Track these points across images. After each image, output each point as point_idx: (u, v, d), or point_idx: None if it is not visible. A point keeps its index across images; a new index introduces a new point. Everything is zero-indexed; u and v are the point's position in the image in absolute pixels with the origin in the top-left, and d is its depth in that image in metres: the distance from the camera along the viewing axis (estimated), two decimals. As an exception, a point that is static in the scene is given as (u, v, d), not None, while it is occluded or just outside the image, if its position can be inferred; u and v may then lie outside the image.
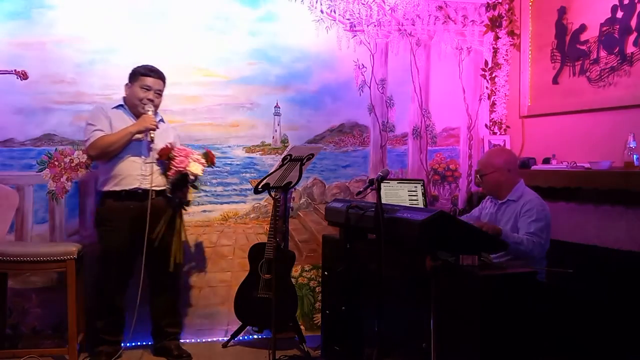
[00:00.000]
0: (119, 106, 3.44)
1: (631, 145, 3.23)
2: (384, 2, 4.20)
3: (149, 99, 3.37)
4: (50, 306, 3.63)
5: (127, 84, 3.43)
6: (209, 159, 3.50)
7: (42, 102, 3.64)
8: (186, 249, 3.85)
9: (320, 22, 4.08)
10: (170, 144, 3.41)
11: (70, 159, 3.69)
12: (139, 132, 3.32)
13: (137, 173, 3.35)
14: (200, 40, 3.87)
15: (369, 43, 4.19)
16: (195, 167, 3.37)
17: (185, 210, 3.54)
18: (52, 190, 3.67)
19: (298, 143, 3.90)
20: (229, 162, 3.98)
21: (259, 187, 2.97)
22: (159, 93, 3.44)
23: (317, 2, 4.07)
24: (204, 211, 3.93)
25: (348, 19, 4.14)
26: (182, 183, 3.40)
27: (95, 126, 3.34)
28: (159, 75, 3.43)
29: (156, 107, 3.44)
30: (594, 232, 3.44)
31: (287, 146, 3.78)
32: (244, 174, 3.99)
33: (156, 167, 3.38)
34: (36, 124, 3.64)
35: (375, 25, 4.19)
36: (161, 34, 3.80)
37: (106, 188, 3.37)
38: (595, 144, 3.60)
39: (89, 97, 3.69)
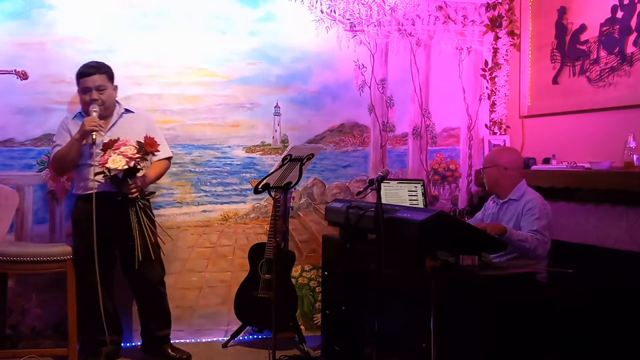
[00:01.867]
0: (78, 114, 3.38)
1: (631, 145, 3.23)
2: (384, 2, 4.20)
3: (92, 99, 3.27)
4: (50, 306, 3.63)
5: (77, 90, 3.36)
6: (143, 148, 3.21)
7: (42, 102, 3.64)
8: (187, 248, 3.87)
9: (320, 22, 4.08)
10: (113, 139, 3.20)
11: (70, 159, 3.68)
12: (83, 137, 3.23)
13: (92, 177, 3.25)
14: (200, 40, 3.87)
15: (369, 43, 4.18)
16: (115, 162, 3.09)
17: (141, 205, 3.32)
18: (52, 190, 3.67)
19: (298, 143, 3.90)
20: (229, 162, 3.97)
21: (259, 187, 2.96)
22: (102, 89, 3.28)
23: (317, 2, 4.06)
24: (204, 211, 3.93)
25: (348, 19, 4.14)
26: (117, 179, 3.23)
27: (55, 142, 3.36)
28: (97, 70, 3.30)
29: (104, 102, 3.30)
30: (594, 232, 3.44)
31: (287, 146, 3.78)
32: (244, 174, 3.98)
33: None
34: (36, 124, 3.64)
35: (375, 25, 4.19)
36: (161, 34, 3.79)
37: (75, 192, 3.43)
38: (595, 144, 3.60)
39: (89, 97, 3.69)
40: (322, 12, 4.08)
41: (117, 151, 3.12)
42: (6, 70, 3.43)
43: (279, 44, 4.01)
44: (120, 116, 3.42)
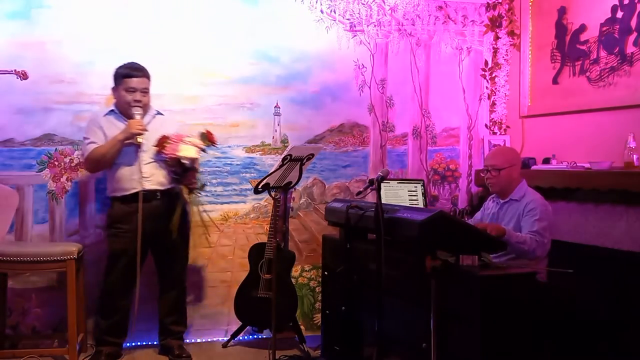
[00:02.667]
0: (110, 112, 3.41)
1: (631, 145, 3.23)
2: (384, 2, 4.20)
3: (136, 100, 3.33)
4: (50, 306, 3.63)
5: (113, 87, 3.40)
6: (206, 138, 3.41)
7: (42, 102, 3.64)
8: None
9: (320, 22, 4.08)
10: (166, 135, 3.32)
11: (70, 159, 3.69)
12: (127, 139, 3.28)
13: (135, 177, 3.33)
14: (200, 40, 3.87)
15: (369, 43, 4.18)
16: (186, 151, 3.26)
17: (199, 194, 3.50)
18: (52, 190, 3.67)
19: (298, 143, 3.90)
20: (229, 162, 3.97)
21: (259, 187, 2.97)
22: (146, 91, 3.38)
23: (317, 2, 4.07)
24: (204, 211, 3.92)
25: (348, 19, 4.14)
26: (181, 169, 3.34)
27: (89, 139, 3.35)
28: (143, 72, 3.37)
29: (145, 105, 3.39)
30: (594, 232, 3.44)
31: (287, 146, 3.78)
32: (244, 174, 3.99)
33: (153, 170, 3.35)
34: (36, 124, 3.64)
35: (375, 25, 4.19)
36: (161, 33, 3.80)
37: (113, 194, 3.41)
38: (595, 144, 3.60)
39: (89, 97, 3.69)
40: (322, 12, 4.08)
41: (182, 142, 3.25)
42: (6, 70, 3.43)
43: (279, 44, 4.02)
44: (154, 117, 3.46)
